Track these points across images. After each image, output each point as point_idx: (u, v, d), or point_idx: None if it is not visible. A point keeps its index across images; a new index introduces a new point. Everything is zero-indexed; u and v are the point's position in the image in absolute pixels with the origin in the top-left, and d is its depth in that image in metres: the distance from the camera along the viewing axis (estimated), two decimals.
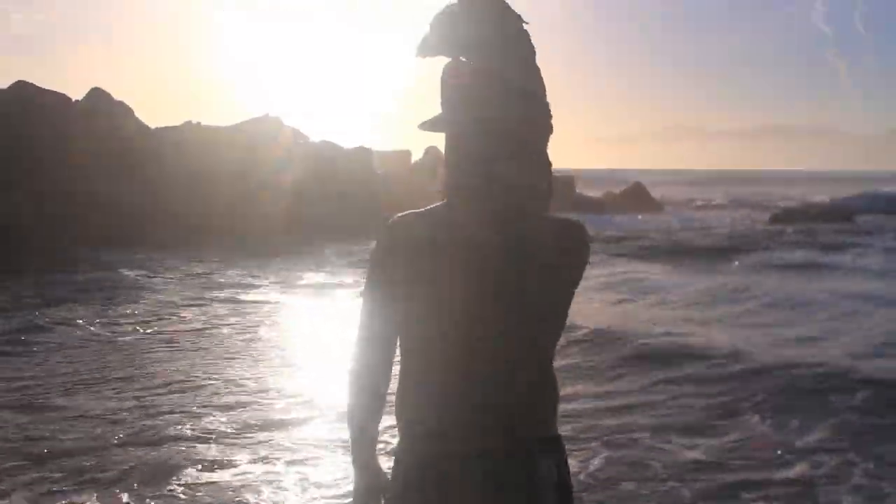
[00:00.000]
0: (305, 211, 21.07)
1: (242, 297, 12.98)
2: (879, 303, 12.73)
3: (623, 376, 8.36)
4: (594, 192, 43.04)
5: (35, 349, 9.00)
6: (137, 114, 22.11)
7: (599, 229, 25.74)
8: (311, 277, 15.44)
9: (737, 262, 18.76)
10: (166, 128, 23.39)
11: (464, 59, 1.83)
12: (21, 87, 20.22)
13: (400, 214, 1.90)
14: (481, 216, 1.83)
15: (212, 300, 12.51)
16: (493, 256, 1.81)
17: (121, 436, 6.15)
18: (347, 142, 26.23)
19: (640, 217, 35.40)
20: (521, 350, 1.85)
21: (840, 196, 41.78)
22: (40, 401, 7.06)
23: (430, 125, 1.88)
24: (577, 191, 40.06)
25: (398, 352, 1.93)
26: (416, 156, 37.77)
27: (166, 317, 11.05)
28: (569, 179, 39.46)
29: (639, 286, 14.71)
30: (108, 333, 9.88)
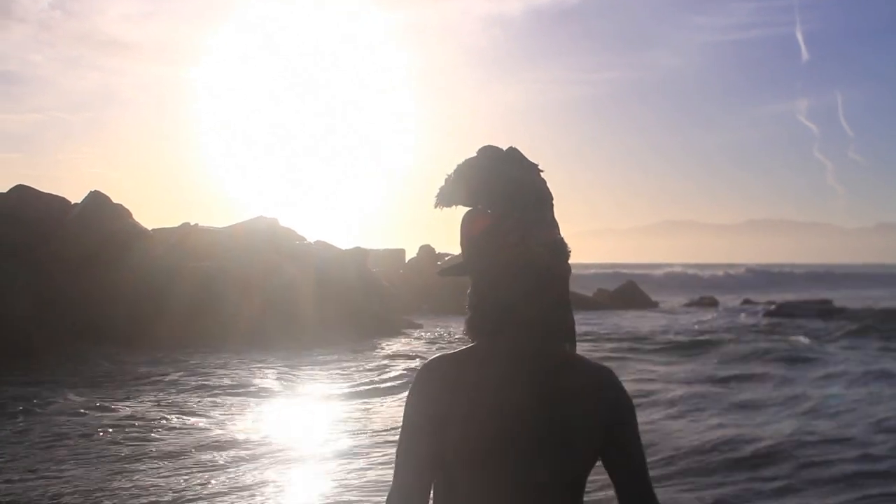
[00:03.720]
0: (302, 312, 21.13)
1: None
2: None
3: None
4: (585, 290, 42.96)
5: None
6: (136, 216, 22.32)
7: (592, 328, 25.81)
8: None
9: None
10: (163, 229, 23.62)
11: (482, 208, 1.90)
12: (21, 191, 20.53)
13: (433, 357, 1.97)
14: (506, 356, 1.88)
15: None
16: (517, 396, 1.86)
17: None
18: (342, 242, 26.51)
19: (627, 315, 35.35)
20: (550, 490, 1.87)
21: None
22: None
23: (450, 271, 1.96)
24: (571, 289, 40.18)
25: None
26: (411, 254, 38.18)
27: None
28: None
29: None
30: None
